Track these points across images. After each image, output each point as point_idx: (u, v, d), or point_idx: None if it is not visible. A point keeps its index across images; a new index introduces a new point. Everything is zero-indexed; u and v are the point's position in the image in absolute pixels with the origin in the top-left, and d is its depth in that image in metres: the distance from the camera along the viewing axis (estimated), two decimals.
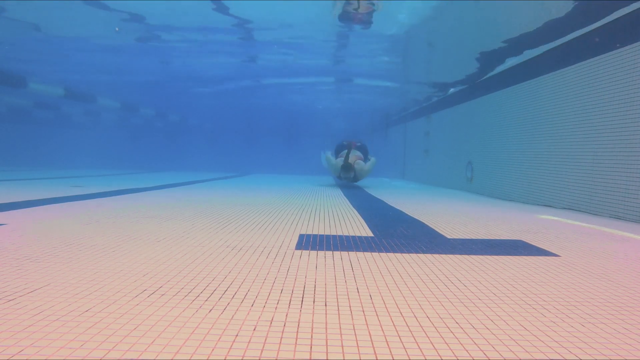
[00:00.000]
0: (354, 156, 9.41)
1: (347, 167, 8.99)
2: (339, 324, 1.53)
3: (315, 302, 1.74)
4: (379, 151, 16.20)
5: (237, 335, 1.40)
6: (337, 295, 1.85)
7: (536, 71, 6.53)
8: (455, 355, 1.30)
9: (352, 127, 17.53)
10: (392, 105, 14.80)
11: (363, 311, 1.66)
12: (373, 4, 5.94)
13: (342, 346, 1.34)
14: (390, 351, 1.32)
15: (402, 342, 1.39)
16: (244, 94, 13.22)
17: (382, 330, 1.48)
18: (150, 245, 2.74)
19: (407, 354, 1.30)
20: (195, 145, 22.07)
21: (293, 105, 16.07)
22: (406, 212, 4.88)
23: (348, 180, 9.31)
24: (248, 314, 1.60)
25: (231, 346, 1.32)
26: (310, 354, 1.28)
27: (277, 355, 1.27)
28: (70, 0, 6.34)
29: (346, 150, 9.29)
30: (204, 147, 21.85)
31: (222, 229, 3.41)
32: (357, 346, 1.35)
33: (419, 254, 2.69)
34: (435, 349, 1.34)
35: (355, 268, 2.31)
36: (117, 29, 7.68)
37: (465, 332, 1.48)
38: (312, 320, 1.55)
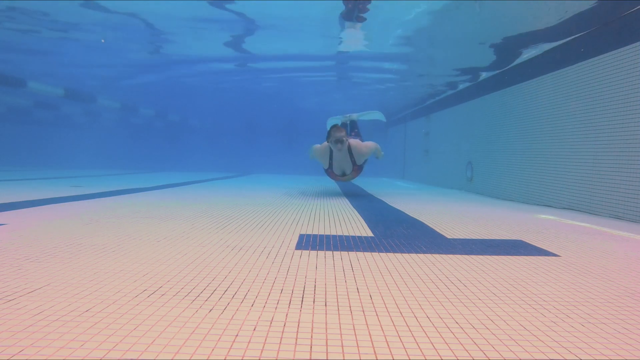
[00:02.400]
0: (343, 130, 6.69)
1: (336, 128, 6.53)
2: (339, 324, 1.53)
3: (315, 302, 1.74)
4: None
5: (237, 335, 1.40)
6: (337, 295, 1.85)
7: (536, 71, 6.54)
8: (455, 355, 1.30)
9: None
10: (392, 104, 14.76)
11: (363, 311, 1.66)
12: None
13: (342, 346, 1.34)
14: (390, 351, 1.32)
15: (402, 342, 1.38)
16: (239, 83, 12.64)
17: (382, 330, 1.48)
18: (150, 245, 2.74)
19: (407, 354, 1.30)
20: (195, 145, 22.08)
21: (292, 102, 15.91)
22: (406, 212, 4.88)
23: (342, 173, 6.89)
24: (248, 314, 1.60)
25: (231, 346, 1.32)
26: (310, 354, 1.28)
27: (277, 355, 1.27)
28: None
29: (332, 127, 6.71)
30: (204, 147, 21.86)
31: (222, 229, 3.41)
32: (357, 346, 1.35)
33: (419, 254, 2.69)
34: (435, 349, 1.34)
35: (355, 268, 2.31)
36: (102, 40, 7.78)
37: (465, 332, 1.48)
38: (312, 320, 1.55)
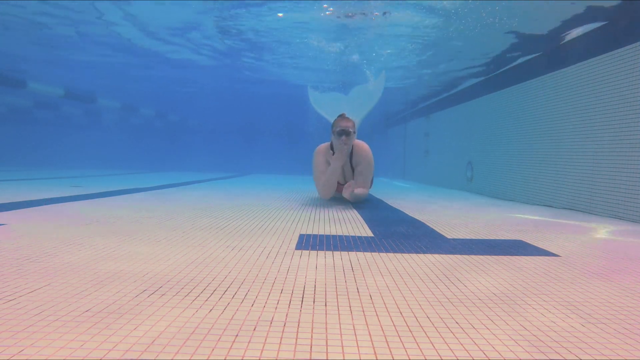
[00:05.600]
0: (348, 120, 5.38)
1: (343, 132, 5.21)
2: (339, 324, 1.53)
3: (315, 302, 1.74)
4: (379, 151, 16.17)
5: (237, 336, 1.40)
6: (337, 295, 1.85)
7: (536, 71, 6.54)
8: (455, 355, 1.30)
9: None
10: (393, 103, 14.69)
11: (363, 311, 1.66)
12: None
13: (342, 346, 1.34)
14: (390, 351, 1.32)
15: (402, 342, 1.38)
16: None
17: (382, 330, 1.48)
18: (150, 245, 2.74)
19: (407, 354, 1.30)
20: (195, 145, 22.09)
21: (290, 97, 15.36)
22: (406, 212, 4.88)
23: (343, 179, 5.73)
24: (248, 314, 1.60)
25: (231, 346, 1.32)
26: (310, 354, 1.28)
27: (277, 355, 1.27)
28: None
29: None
30: (204, 147, 21.87)
31: (222, 229, 3.41)
32: (357, 346, 1.35)
33: (419, 254, 2.69)
34: (435, 349, 1.34)
35: (355, 268, 2.31)
36: None
37: (465, 332, 1.48)
38: (312, 321, 1.55)
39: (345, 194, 5.25)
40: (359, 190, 5.41)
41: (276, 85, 12.99)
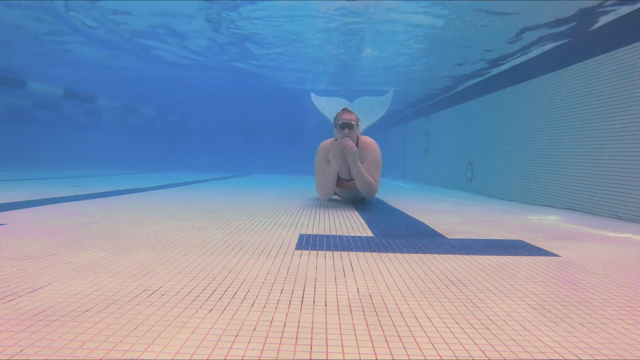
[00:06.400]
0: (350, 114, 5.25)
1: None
2: (339, 324, 1.53)
3: (315, 302, 1.74)
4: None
5: (237, 335, 1.40)
6: (337, 295, 1.85)
7: (536, 71, 6.54)
8: (455, 355, 1.30)
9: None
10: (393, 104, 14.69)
11: (363, 311, 1.66)
12: None
13: (342, 346, 1.34)
14: (390, 351, 1.32)
15: (402, 342, 1.38)
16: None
17: (382, 330, 1.48)
18: (150, 245, 2.74)
19: (407, 354, 1.30)
20: (195, 145, 22.09)
21: (289, 94, 15.16)
22: (406, 212, 4.88)
23: (348, 176, 5.35)
24: (248, 314, 1.60)
25: (231, 346, 1.32)
26: (310, 354, 1.28)
27: (277, 355, 1.27)
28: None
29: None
30: (204, 147, 21.88)
31: (222, 229, 3.41)
32: (357, 346, 1.35)
33: (419, 254, 2.69)
34: (435, 349, 1.34)
35: (355, 268, 2.31)
36: None
37: (465, 332, 1.48)
38: (312, 321, 1.55)
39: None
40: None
41: (276, 86, 13.05)
